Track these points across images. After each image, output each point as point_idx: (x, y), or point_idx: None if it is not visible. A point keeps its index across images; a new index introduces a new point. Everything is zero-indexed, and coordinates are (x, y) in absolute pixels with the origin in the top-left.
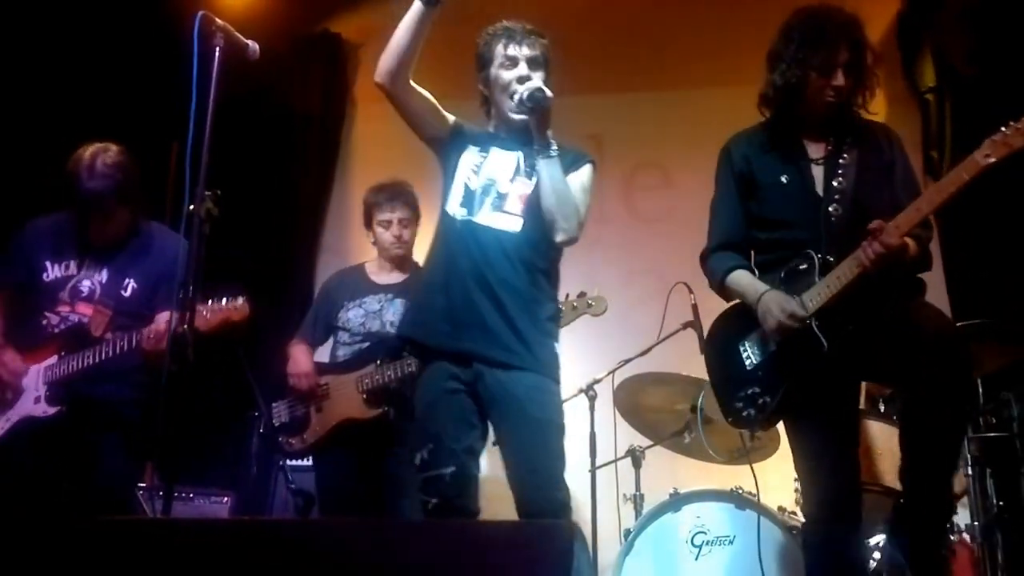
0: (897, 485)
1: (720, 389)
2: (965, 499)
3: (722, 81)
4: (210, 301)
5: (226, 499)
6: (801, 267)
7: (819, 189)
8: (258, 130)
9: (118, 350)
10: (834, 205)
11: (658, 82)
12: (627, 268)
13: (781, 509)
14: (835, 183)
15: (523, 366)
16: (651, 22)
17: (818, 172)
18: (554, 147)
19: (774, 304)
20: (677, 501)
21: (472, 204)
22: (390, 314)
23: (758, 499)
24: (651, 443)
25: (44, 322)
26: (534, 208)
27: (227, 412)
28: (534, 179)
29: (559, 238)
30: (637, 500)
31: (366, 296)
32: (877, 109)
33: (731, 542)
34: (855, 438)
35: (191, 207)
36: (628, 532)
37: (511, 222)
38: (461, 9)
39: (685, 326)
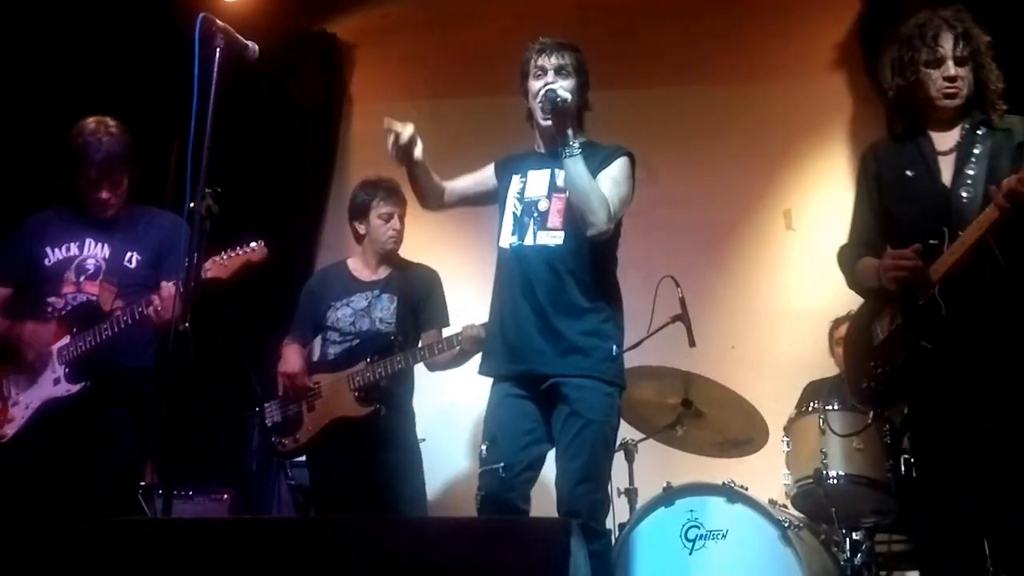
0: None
1: (850, 373)
2: None
3: (707, 80)
4: (223, 251)
5: (225, 496)
6: (932, 242)
7: (946, 179)
8: (257, 129)
9: (129, 320)
10: (965, 190)
11: (643, 79)
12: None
13: (772, 502)
14: (967, 171)
15: (577, 373)
16: (637, 20)
17: (947, 163)
18: (575, 145)
19: (890, 259)
20: (670, 495)
21: (521, 230)
22: (378, 311)
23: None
24: (643, 436)
25: (48, 308)
26: (574, 218)
27: (227, 409)
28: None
29: (589, 232)
30: (631, 494)
31: (353, 295)
32: (843, 108)
33: (724, 536)
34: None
35: (191, 204)
36: (622, 527)
37: (554, 237)
38: (458, 10)
39: (673, 319)
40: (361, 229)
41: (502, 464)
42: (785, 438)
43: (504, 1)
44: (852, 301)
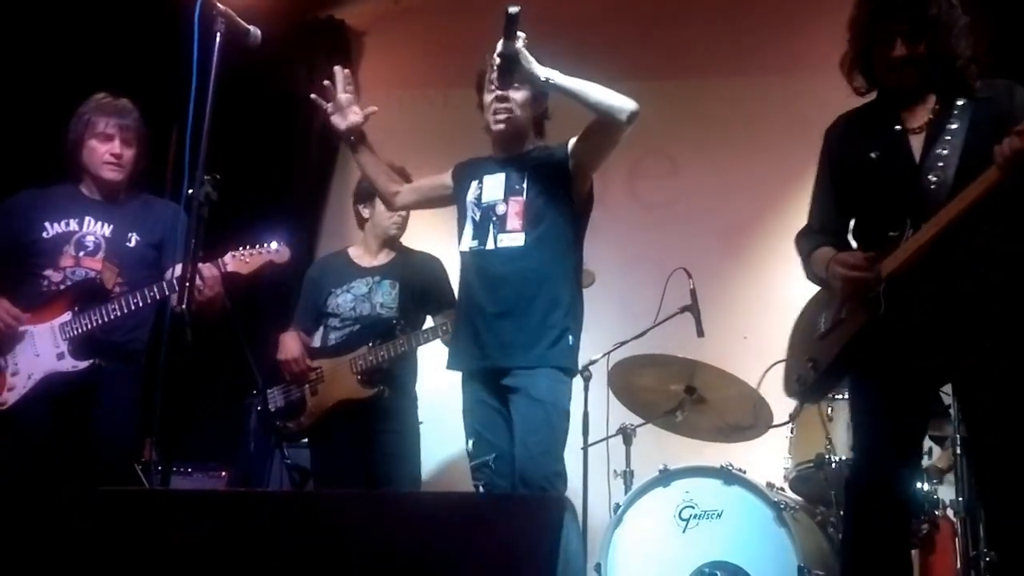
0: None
1: (788, 362)
2: (950, 475)
3: (731, 71)
4: (241, 248)
5: (224, 474)
6: (891, 234)
7: (916, 161)
8: (260, 115)
9: (142, 303)
10: (934, 174)
11: (668, 71)
12: (627, 254)
13: (770, 485)
14: (938, 150)
15: (538, 364)
16: (662, 11)
17: (917, 142)
18: (545, 77)
19: (839, 266)
20: (666, 477)
21: (482, 234)
22: (379, 296)
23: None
24: (643, 422)
25: (44, 281)
26: (532, 218)
27: (225, 390)
28: (524, 193)
29: (623, 117)
30: (627, 476)
31: (353, 281)
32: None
33: (719, 516)
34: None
35: (190, 191)
36: (618, 506)
37: (514, 239)
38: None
39: (682, 310)
40: (365, 213)
41: (493, 456)
42: (790, 424)
43: None
44: None
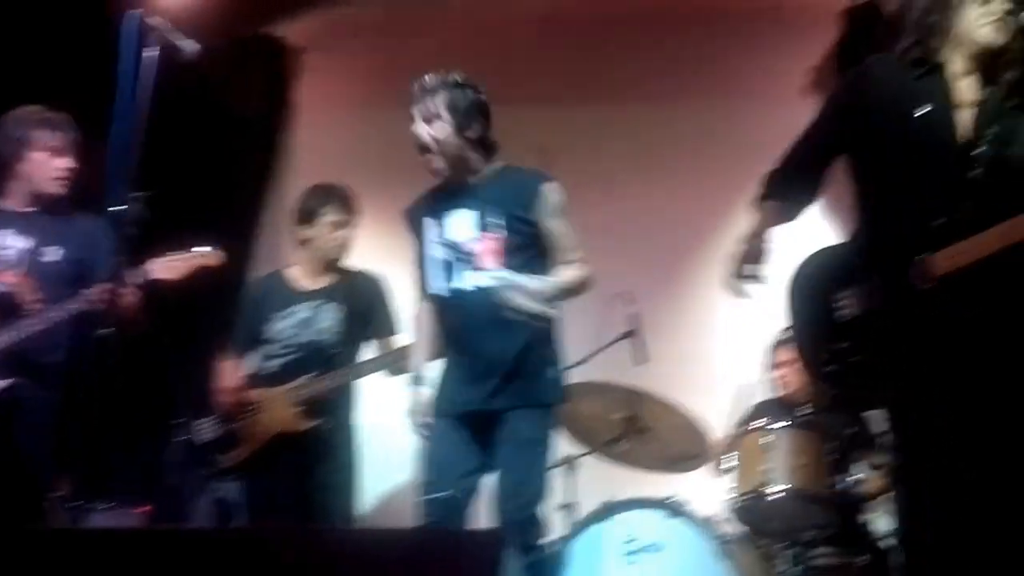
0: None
1: (804, 337)
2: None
3: (673, 99)
4: (170, 253)
5: (144, 509)
6: (935, 223)
7: (960, 137)
8: (193, 133)
9: (65, 316)
10: (980, 153)
11: (606, 96)
12: None
13: (713, 516)
14: (990, 132)
15: (523, 403)
16: (599, 37)
17: (963, 119)
18: (499, 275)
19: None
20: (609, 509)
21: (451, 274)
22: (322, 321)
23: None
24: (586, 451)
25: None
26: (509, 257)
27: (150, 418)
28: (495, 229)
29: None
30: (571, 509)
31: (294, 305)
32: None
33: (661, 550)
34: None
35: (116, 208)
36: (561, 540)
37: (489, 277)
38: (415, 19)
39: (624, 336)
40: (307, 235)
41: (448, 493)
42: (729, 454)
43: (464, 12)
44: None
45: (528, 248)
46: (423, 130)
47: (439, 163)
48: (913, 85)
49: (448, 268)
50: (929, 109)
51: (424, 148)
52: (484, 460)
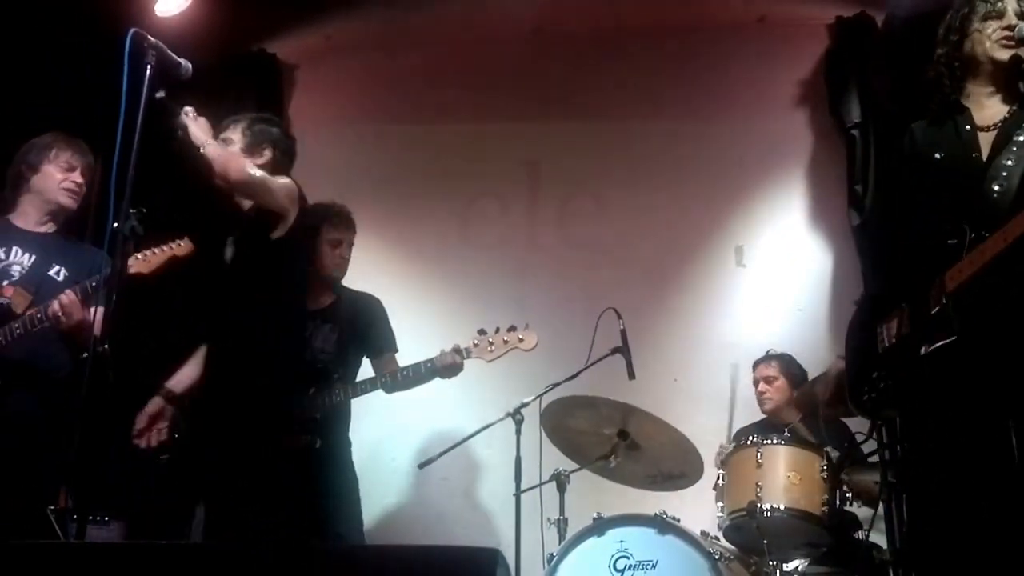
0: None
1: (851, 381)
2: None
3: (662, 114)
4: (145, 250)
5: (138, 524)
6: (951, 242)
7: (984, 159)
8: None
9: (41, 317)
10: (998, 183)
11: (597, 112)
12: (558, 295)
13: (704, 534)
14: (1004, 161)
15: None
16: (589, 51)
17: (986, 141)
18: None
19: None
20: (600, 525)
21: None
22: (319, 340)
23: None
24: (576, 467)
25: None
26: None
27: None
28: None
29: None
30: (561, 524)
31: None
32: (801, 146)
33: (654, 566)
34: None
35: (115, 224)
36: (552, 556)
37: None
38: (406, 34)
39: (613, 351)
40: None
41: None
42: (720, 471)
43: (454, 27)
44: (798, 339)
45: None
46: None
47: None
48: (934, 133)
49: None
50: (947, 150)
51: None
52: None
